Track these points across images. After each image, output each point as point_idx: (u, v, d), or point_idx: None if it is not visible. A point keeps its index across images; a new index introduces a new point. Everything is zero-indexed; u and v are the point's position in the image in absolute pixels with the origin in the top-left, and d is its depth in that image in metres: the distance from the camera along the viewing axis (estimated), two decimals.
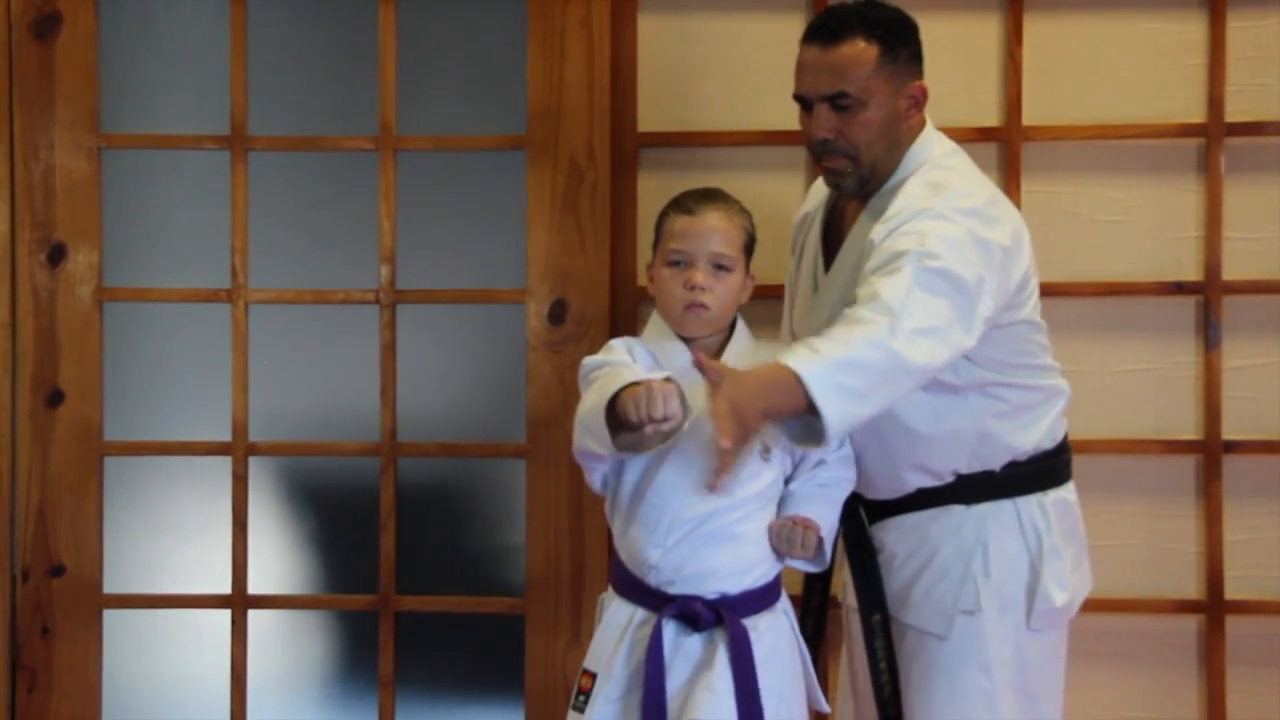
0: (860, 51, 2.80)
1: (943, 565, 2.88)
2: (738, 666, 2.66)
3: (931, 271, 2.62)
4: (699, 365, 2.57)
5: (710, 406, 2.53)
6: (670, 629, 2.69)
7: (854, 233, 2.89)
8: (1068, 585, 2.90)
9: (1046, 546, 2.88)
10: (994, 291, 2.71)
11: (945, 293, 2.62)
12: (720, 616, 2.69)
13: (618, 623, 2.74)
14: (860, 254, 2.79)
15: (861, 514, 2.93)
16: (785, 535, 2.74)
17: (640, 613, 2.73)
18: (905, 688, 2.90)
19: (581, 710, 2.73)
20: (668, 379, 2.57)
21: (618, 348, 2.77)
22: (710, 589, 2.70)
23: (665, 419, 2.51)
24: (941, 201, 2.74)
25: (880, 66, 2.81)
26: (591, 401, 2.64)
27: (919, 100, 2.87)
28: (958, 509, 2.89)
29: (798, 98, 2.85)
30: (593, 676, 2.74)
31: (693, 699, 2.66)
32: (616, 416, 2.58)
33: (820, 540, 2.77)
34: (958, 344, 2.65)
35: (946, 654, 2.87)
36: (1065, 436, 2.99)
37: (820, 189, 3.05)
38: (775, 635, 2.76)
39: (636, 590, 2.73)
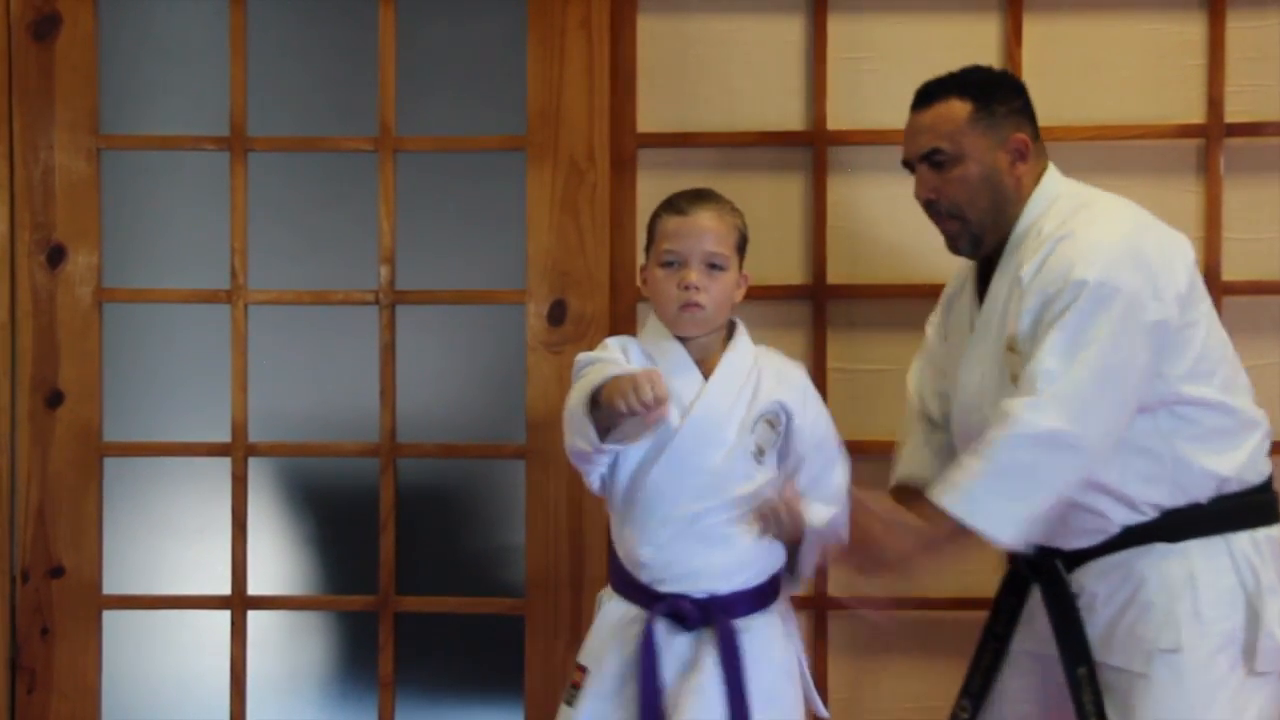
0: (952, 109, 2.85)
1: (1146, 600, 2.78)
2: (726, 667, 2.66)
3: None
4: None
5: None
6: (661, 627, 2.70)
7: (993, 290, 2.88)
8: None
9: (1265, 583, 2.78)
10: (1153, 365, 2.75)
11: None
12: (709, 616, 2.69)
13: (612, 619, 2.75)
14: (1004, 303, 2.82)
15: (1058, 565, 2.86)
16: (766, 511, 2.71)
17: (633, 610, 2.73)
18: None
19: (571, 704, 2.74)
20: (651, 370, 2.60)
21: (612, 345, 2.78)
22: (699, 588, 2.71)
23: (655, 403, 2.53)
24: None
25: (974, 122, 2.85)
26: (575, 397, 2.65)
27: (1022, 152, 2.89)
28: (1162, 546, 2.79)
29: (905, 164, 2.94)
30: (584, 671, 2.75)
31: (681, 700, 2.67)
32: (601, 412, 2.60)
33: (802, 526, 2.74)
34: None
35: (1149, 695, 2.76)
36: (1270, 476, 2.89)
37: (963, 268, 3.07)
38: (767, 636, 2.75)
39: (630, 588, 2.74)
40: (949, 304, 3.10)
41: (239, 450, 3.52)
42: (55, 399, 3.50)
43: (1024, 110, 2.93)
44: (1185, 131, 3.46)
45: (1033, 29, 3.48)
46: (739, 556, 2.73)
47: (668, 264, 2.75)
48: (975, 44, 3.49)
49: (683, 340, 2.77)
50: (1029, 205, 2.89)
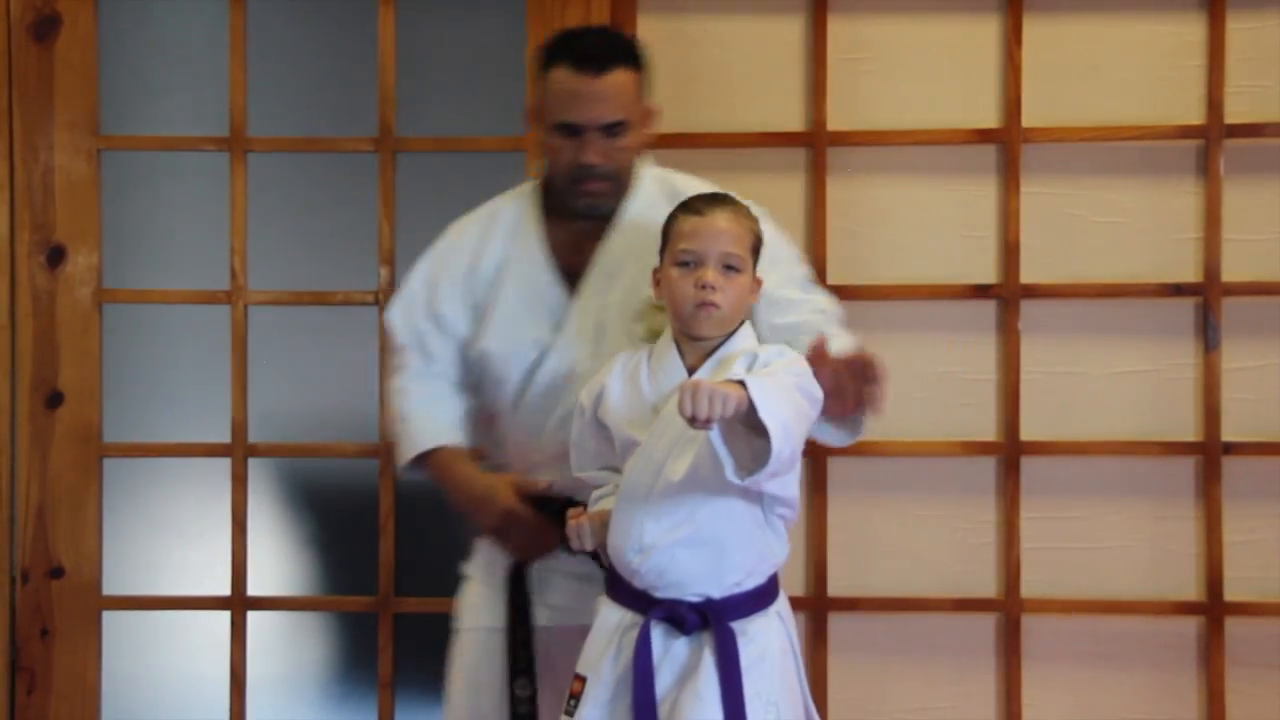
0: (625, 78, 2.84)
1: None
2: (723, 670, 2.65)
3: None
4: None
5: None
6: (658, 632, 2.69)
7: (607, 250, 2.90)
8: None
9: None
10: None
11: None
12: (706, 620, 2.68)
13: (607, 626, 2.74)
14: (625, 270, 2.88)
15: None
16: (683, 400, 2.50)
17: (629, 615, 2.72)
18: None
19: (571, 715, 2.72)
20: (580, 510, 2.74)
21: (613, 368, 2.78)
22: (693, 592, 2.69)
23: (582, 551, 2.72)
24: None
25: (640, 91, 2.89)
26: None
27: (652, 119, 2.96)
28: None
29: (566, 126, 2.83)
30: (583, 680, 2.73)
31: (679, 705, 2.66)
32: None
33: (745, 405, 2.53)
34: None
35: None
36: None
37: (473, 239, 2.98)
38: (765, 639, 2.73)
39: (625, 593, 2.73)
40: (469, 276, 2.98)
41: (239, 451, 3.52)
42: (55, 400, 3.50)
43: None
44: (1185, 132, 3.46)
45: (1032, 30, 3.48)
46: (730, 561, 2.71)
47: (684, 264, 2.74)
48: (975, 45, 3.50)
49: (695, 341, 2.75)
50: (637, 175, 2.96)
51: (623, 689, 2.69)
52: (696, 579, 2.69)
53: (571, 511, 2.75)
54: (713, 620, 2.67)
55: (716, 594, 2.69)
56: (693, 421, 2.46)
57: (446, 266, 2.95)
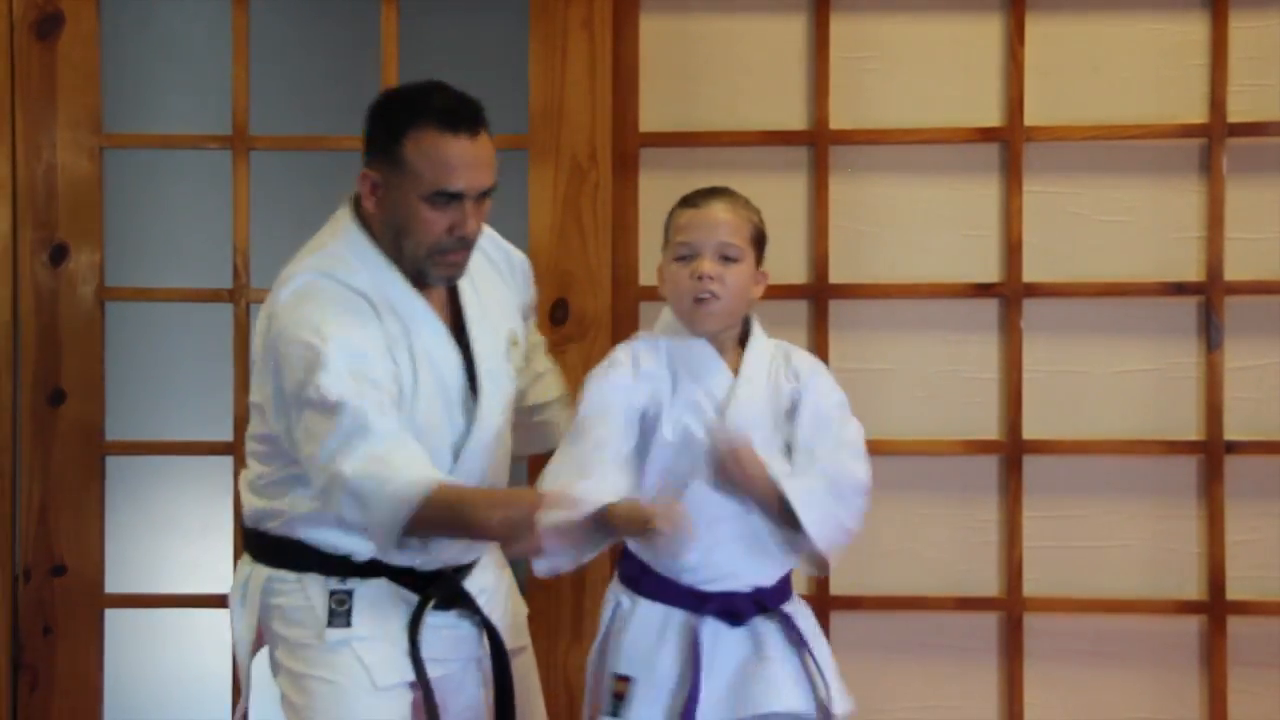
0: (490, 142, 2.71)
1: None
2: (796, 646, 2.73)
3: None
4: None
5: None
6: (709, 626, 2.72)
7: (468, 305, 2.81)
8: None
9: None
10: None
11: None
12: (761, 607, 2.73)
13: (651, 624, 2.76)
14: (486, 316, 2.80)
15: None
16: (720, 454, 2.68)
17: (677, 613, 2.74)
18: None
19: (618, 715, 2.73)
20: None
21: (622, 360, 2.77)
22: (746, 583, 2.74)
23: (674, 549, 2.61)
24: None
25: None
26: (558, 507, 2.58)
27: None
28: None
29: (444, 195, 2.66)
30: (628, 680, 2.74)
31: (748, 694, 2.69)
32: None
33: (767, 480, 2.71)
34: None
35: None
36: None
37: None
38: (808, 618, 2.82)
39: (669, 592, 2.75)
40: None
41: (241, 449, 3.52)
42: (57, 397, 3.50)
43: None
44: (1187, 131, 3.46)
45: (1035, 28, 3.47)
46: (770, 552, 2.76)
47: (681, 257, 2.75)
48: (977, 43, 3.49)
49: (703, 337, 2.77)
50: None
51: (681, 684, 2.71)
52: (750, 570, 2.73)
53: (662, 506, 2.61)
54: (771, 605, 2.74)
55: (767, 583, 2.73)
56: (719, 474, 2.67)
57: (363, 330, 2.66)
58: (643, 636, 2.76)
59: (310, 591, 2.77)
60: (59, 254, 3.51)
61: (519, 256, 3.00)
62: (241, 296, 3.52)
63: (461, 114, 2.68)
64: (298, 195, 3.62)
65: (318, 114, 3.62)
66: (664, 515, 2.55)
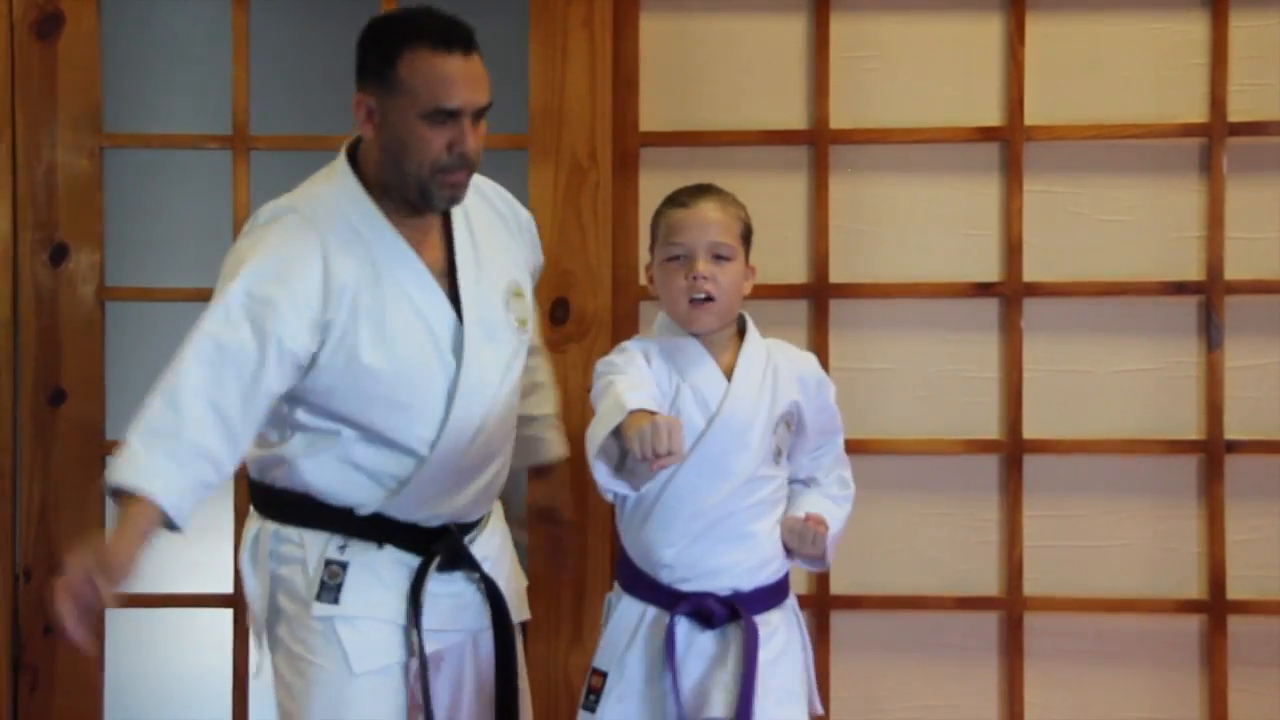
0: (480, 61, 2.72)
1: None
2: (745, 663, 2.67)
3: None
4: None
5: None
6: (683, 626, 2.71)
7: (460, 244, 2.79)
8: None
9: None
10: None
11: None
12: (735, 612, 2.70)
13: (628, 621, 2.75)
14: (482, 259, 2.79)
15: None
16: (798, 531, 2.75)
17: (651, 610, 2.74)
18: None
19: (593, 710, 2.73)
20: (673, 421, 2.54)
21: (632, 349, 2.76)
22: (723, 586, 2.72)
23: (668, 454, 2.48)
24: None
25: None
26: (599, 430, 2.58)
27: None
28: None
29: (440, 112, 2.65)
30: (603, 675, 2.75)
31: (709, 697, 2.67)
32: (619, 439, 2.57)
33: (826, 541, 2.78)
34: None
35: None
36: None
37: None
38: (788, 633, 2.78)
39: (648, 588, 2.74)
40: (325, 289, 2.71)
41: None
42: (58, 397, 3.50)
43: None
44: (1188, 130, 3.46)
45: (1035, 28, 3.47)
46: (761, 554, 2.75)
47: (674, 258, 2.75)
48: (977, 43, 3.50)
49: (696, 337, 2.77)
50: None
51: (647, 683, 2.71)
52: (729, 573, 2.72)
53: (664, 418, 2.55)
54: (742, 612, 2.69)
55: (745, 587, 2.72)
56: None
57: (284, 280, 2.62)
58: (618, 633, 2.76)
59: (309, 555, 2.76)
60: (59, 254, 3.51)
61: (525, 215, 3.00)
62: None
63: (455, 33, 2.68)
64: None
65: (318, 114, 3.61)
66: (667, 420, 2.51)
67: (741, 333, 2.81)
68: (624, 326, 3.44)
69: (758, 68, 3.52)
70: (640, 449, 2.48)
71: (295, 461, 2.74)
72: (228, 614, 3.54)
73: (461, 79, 2.66)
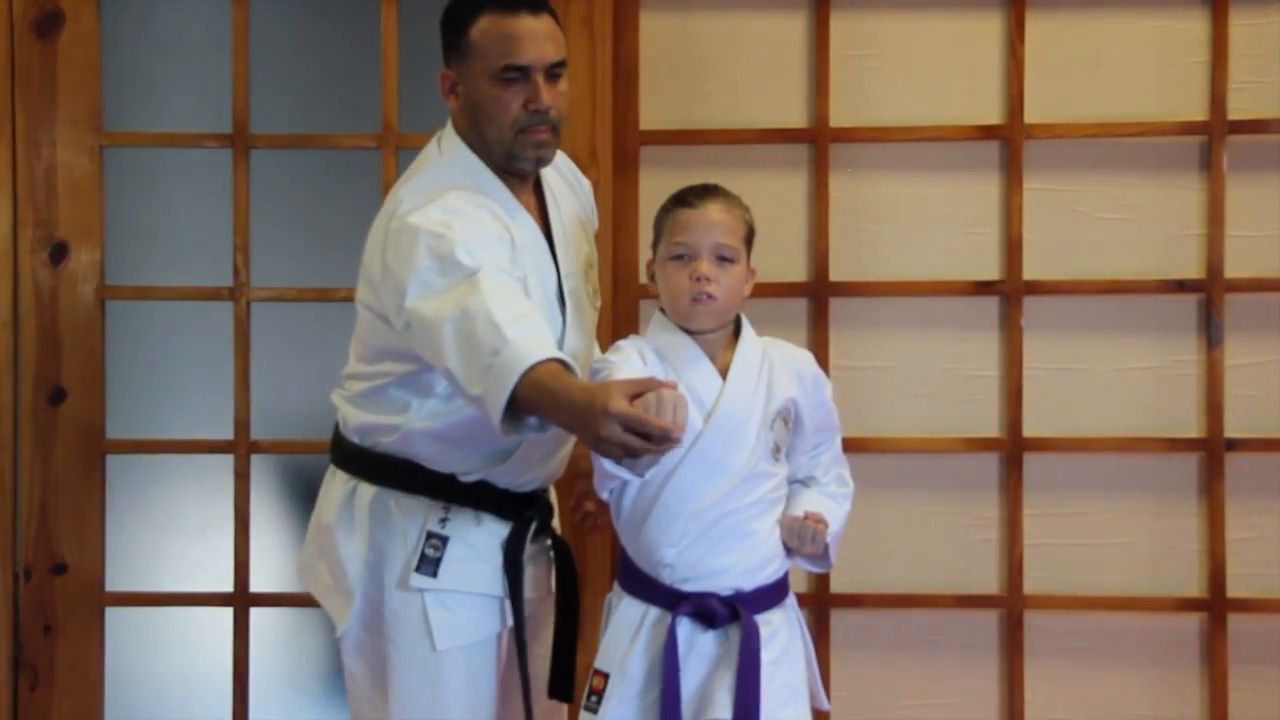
0: (553, 21, 2.76)
1: None
2: (744, 661, 2.67)
3: None
4: None
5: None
6: (684, 626, 2.71)
7: (554, 216, 2.85)
8: None
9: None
10: None
11: None
12: (735, 612, 2.70)
13: (629, 622, 2.75)
14: (568, 233, 2.84)
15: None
16: (797, 530, 2.75)
17: (653, 611, 2.74)
18: None
19: (595, 710, 2.73)
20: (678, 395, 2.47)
21: (626, 347, 2.76)
22: (724, 585, 2.72)
23: (673, 428, 2.40)
24: None
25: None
26: None
27: None
28: None
29: (512, 69, 2.70)
30: (605, 676, 2.74)
31: (711, 698, 2.67)
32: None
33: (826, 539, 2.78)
34: None
35: None
36: None
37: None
38: (789, 633, 2.78)
39: (648, 589, 2.74)
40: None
41: (241, 447, 3.52)
42: (58, 396, 3.50)
43: None
44: (1188, 128, 3.46)
45: (1035, 26, 3.48)
46: (761, 553, 2.75)
47: (678, 257, 2.75)
48: (977, 41, 3.50)
49: (691, 335, 2.77)
50: None
51: (649, 684, 2.71)
52: (730, 572, 2.72)
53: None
54: (742, 612, 2.69)
55: (747, 586, 2.72)
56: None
57: (489, 245, 2.65)
58: (620, 633, 2.76)
59: (411, 525, 2.78)
60: (59, 252, 3.51)
61: (586, 182, 3.04)
62: (242, 295, 3.52)
63: None
64: (298, 194, 3.62)
65: (318, 114, 3.61)
66: (672, 394, 2.45)
67: (737, 332, 2.81)
68: (624, 325, 3.45)
69: (758, 66, 3.52)
70: (654, 415, 2.39)
71: (413, 430, 2.76)
72: (228, 613, 3.53)
73: (528, 36, 2.70)
